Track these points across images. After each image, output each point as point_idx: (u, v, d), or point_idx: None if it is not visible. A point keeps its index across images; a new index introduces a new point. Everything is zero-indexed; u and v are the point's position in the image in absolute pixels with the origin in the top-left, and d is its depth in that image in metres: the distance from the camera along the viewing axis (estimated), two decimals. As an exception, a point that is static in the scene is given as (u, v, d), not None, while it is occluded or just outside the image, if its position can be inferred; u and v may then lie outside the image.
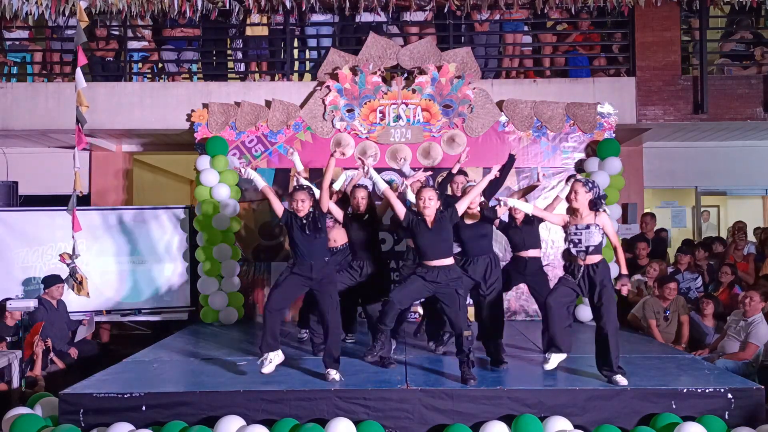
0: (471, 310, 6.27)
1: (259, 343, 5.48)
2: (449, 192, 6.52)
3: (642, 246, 8.42)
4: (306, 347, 6.47)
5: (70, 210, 6.99)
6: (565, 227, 5.35)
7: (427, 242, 5.32)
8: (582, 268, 5.24)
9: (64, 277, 7.31)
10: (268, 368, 5.32)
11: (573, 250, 5.26)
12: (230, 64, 9.37)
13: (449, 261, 5.34)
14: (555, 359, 5.29)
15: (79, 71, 6.92)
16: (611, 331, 5.21)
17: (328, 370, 5.34)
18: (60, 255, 7.62)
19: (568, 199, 5.33)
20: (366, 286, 6.11)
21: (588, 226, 5.23)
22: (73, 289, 7.21)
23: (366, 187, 6.18)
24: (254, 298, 8.39)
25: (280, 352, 5.40)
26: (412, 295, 5.49)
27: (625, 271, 5.41)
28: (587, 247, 5.21)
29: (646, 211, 9.72)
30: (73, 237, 7.14)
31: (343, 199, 6.29)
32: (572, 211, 5.35)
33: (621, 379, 5.15)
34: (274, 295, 5.45)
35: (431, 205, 5.31)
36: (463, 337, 5.25)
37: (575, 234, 5.25)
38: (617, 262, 5.42)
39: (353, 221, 6.09)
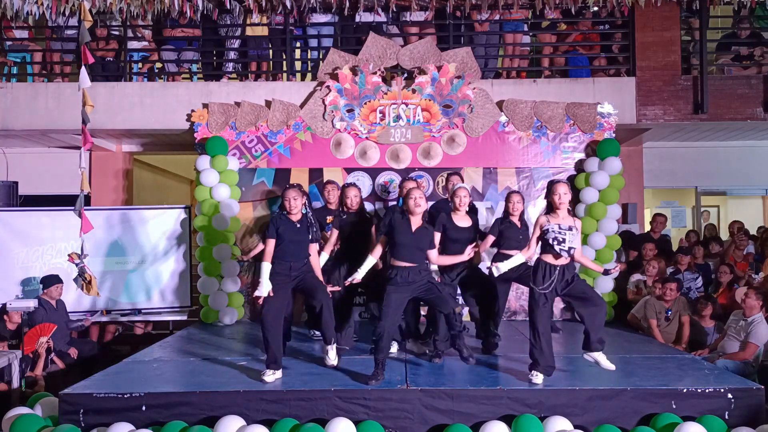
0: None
1: (265, 356, 5.49)
2: (446, 195, 6.58)
3: (649, 246, 8.37)
4: (307, 348, 6.47)
5: (78, 211, 6.99)
6: (543, 228, 5.28)
7: (406, 242, 5.37)
8: (557, 269, 5.22)
9: (72, 277, 7.30)
10: (270, 378, 5.33)
11: (557, 248, 5.20)
12: (230, 64, 9.36)
13: (419, 262, 5.41)
14: (541, 377, 5.27)
15: (83, 71, 6.93)
16: (603, 305, 5.33)
17: (326, 346, 5.49)
18: (69, 255, 7.62)
19: (554, 201, 5.30)
20: (365, 287, 6.12)
21: (570, 228, 5.25)
22: (82, 289, 7.22)
23: (356, 186, 6.23)
24: (254, 298, 8.38)
25: (280, 372, 5.43)
26: (396, 317, 5.52)
27: (600, 269, 5.53)
28: (569, 249, 5.21)
29: (656, 211, 9.72)
30: (81, 237, 7.14)
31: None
32: (551, 211, 5.36)
33: (600, 356, 5.28)
34: (266, 310, 5.41)
35: (422, 204, 5.39)
36: (455, 314, 5.34)
37: (560, 233, 5.22)
38: (589, 267, 5.60)
39: (346, 221, 6.12)
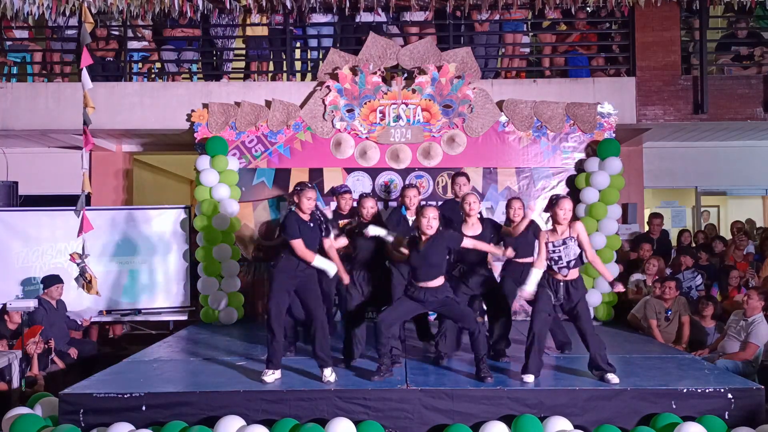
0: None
1: (266, 355, 5.46)
2: (452, 195, 6.50)
3: (646, 247, 8.38)
4: (306, 348, 6.45)
5: (79, 211, 7.00)
6: (546, 245, 5.34)
7: (416, 263, 5.31)
8: (562, 284, 5.28)
9: (74, 276, 7.30)
10: (269, 378, 5.31)
11: (555, 268, 5.30)
12: (230, 64, 9.36)
13: (438, 283, 5.30)
14: (531, 378, 5.29)
15: (85, 72, 6.93)
16: (590, 332, 5.29)
17: (323, 369, 5.34)
18: (70, 255, 7.63)
19: (557, 217, 5.29)
20: (374, 302, 5.98)
21: (564, 242, 5.26)
22: (83, 288, 7.22)
23: (373, 197, 6.16)
24: (254, 298, 8.40)
25: (279, 372, 5.41)
26: (400, 317, 5.50)
27: (610, 278, 5.48)
28: (568, 263, 5.25)
29: (653, 211, 9.72)
30: (82, 237, 7.15)
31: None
32: (551, 227, 5.38)
33: (613, 377, 5.18)
34: (272, 307, 5.37)
35: (433, 225, 5.27)
36: (480, 334, 5.26)
37: (553, 251, 5.28)
38: (600, 272, 5.51)
39: (360, 232, 5.99)
